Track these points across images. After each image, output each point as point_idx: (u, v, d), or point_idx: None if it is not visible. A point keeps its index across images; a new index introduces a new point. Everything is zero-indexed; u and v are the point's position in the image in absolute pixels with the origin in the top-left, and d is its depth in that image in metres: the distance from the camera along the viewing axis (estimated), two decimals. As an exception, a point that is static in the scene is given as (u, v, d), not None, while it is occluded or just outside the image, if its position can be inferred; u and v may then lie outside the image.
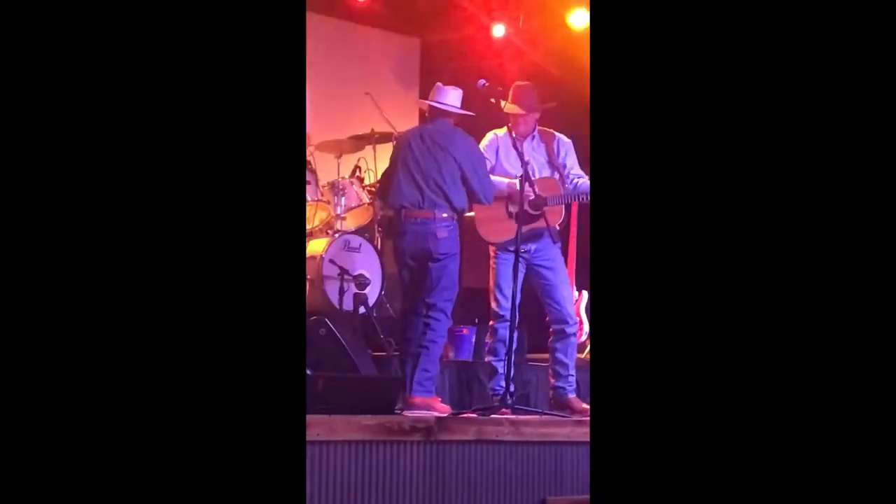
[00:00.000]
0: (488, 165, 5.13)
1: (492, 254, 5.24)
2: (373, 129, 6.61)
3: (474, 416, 4.34)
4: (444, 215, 4.82)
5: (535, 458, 3.70)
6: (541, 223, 4.95)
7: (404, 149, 4.97)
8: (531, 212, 4.95)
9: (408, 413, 4.29)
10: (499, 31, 7.50)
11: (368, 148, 6.68)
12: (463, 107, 5.04)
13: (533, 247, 5.08)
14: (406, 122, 7.77)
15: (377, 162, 6.61)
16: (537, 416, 4.53)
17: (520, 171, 4.96)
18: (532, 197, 4.93)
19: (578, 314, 6.38)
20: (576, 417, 4.50)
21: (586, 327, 6.41)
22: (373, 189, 6.41)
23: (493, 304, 5.21)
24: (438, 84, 5.11)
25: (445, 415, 4.42)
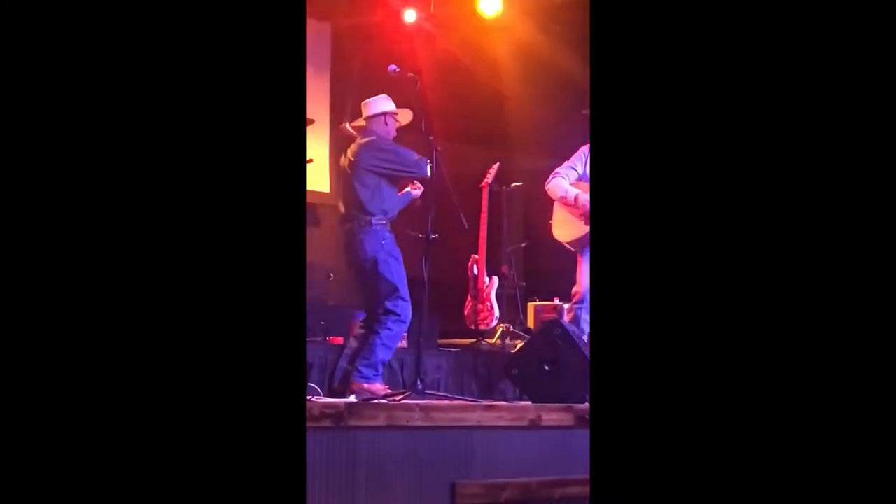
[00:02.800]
0: (573, 175, 5.50)
1: (581, 259, 5.48)
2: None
3: (385, 401, 4.37)
4: (361, 222, 5.07)
5: (445, 442, 3.71)
6: None
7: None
8: None
9: (317, 399, 4.30)
10: (410, 16, 7.48)
11: (278, 133, 6.61)
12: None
13: None
14: (317, 107, 7.73)
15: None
16: (447, 402, 4.57)
17: None
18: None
19: (489, 299, 6.45)
20: (486, 402, 4.55)
21: (496, 312, 6.47)
22: (283, 174, 6.36)
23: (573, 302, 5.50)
24: (364, 102, 5.30)
25: (377, 398, 4.57)
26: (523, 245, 7.47)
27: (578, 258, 5.51)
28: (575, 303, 5.47)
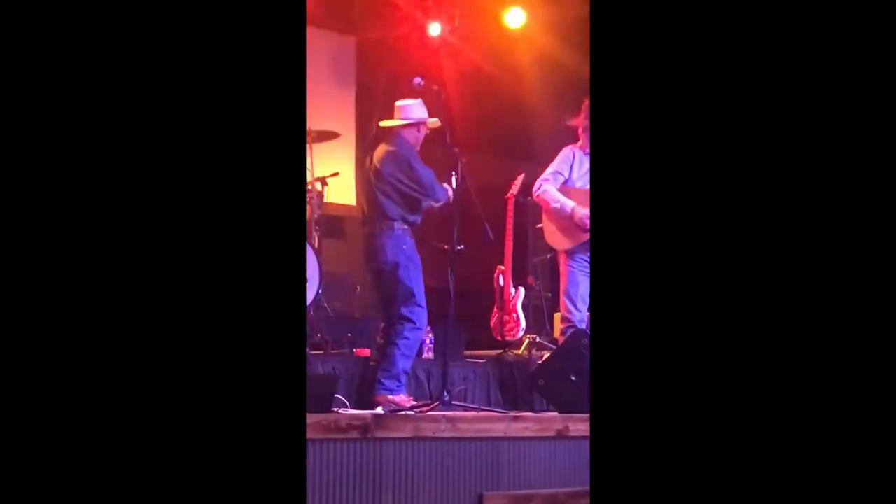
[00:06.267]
0: (560, 180, 5.52)
1: (563, 261, 5.55)
2: (309, 128, 6.56)
3: (412, 413, 4.36)
4: (384, 227, 5.07)
5: (472, 453, 3.70)
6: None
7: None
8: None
9: (344, 411, 4.30)
10: (434, 29, 7.48)
11: (305, 146, 6.63)
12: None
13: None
14: (343, 121, 7.75)
15: (313, 160, 6.57)
16: (474, 413, 4.56)
17: (589, 184, 5.41)
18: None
19: (515, 310, 6.43)
20: (513, 413, 4.53)
21: (523, 323, 6.45)
22: (309, 188, 6.38)
23: (563, 310, 5.56)
24: (398, 103, 5.28)
25: (403, 410, 4.57)
26: (548, 256, 7.45)
27: (562, 257, 5.59)
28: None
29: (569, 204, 5.45)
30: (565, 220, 5.49)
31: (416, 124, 5.22)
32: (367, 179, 5.24)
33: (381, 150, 5.21)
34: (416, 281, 5.05)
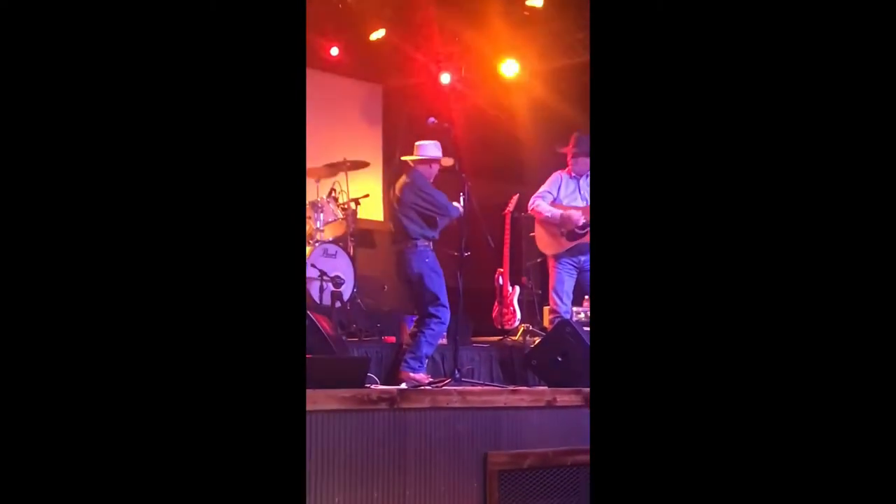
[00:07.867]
0: (549, 198, 5.67)
1: (551, 264, 5.67)
2: (345, 158, 6.60)
3: (429, 388, 4.37)
4: (409, 245, 5.10)
5: (478, 420, 3.70)
6: (587, 239, 5.50)
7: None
8: (579, 231, 5.49)
9: (375, 387, 4.32)
10: (445, 78, 7.54)
11: (341, 173, 6.67)
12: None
13: (583, 258, 5.54)
14: (372, 153, 7.78)
15: (349, 185, 6.61)
16: (480, 387, 4.57)
17: (574, 202, 5.60)
18: (583, 220, 5.48)
19: (512, 304, 6.44)
20: (511, 388, 4.54)
21: (518, 315, 6.46)
22: (345, 207, 6.41)
23: (552, 304, 5.67)
24: (417, 143, 5.32)
25: (422, 385, 4.58)
26: (539, 260, 7.46)
27: (550, 261, 5.67)
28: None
29: (557, 212, 5.56)
30: (553, 230, 5.57)
31: (430, 161, 5.26)
32: (392, 206, 5.27)
33: (401, 181, 5.28)
34: (439, 287, 5.12)
